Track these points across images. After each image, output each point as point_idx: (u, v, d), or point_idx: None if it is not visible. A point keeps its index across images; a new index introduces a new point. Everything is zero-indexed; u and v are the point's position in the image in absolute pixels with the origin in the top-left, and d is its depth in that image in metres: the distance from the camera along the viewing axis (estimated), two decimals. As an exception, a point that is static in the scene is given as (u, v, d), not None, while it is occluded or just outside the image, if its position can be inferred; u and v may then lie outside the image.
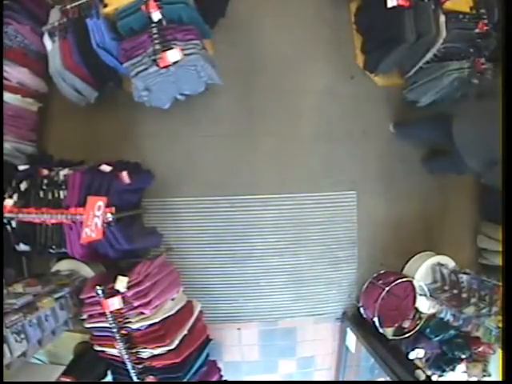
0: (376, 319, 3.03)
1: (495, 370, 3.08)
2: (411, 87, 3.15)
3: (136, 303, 2.32)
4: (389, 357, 2.86)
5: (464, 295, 2.94)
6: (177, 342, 2.41)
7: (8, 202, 2.45)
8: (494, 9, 2.75)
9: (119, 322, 2.34)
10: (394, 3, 2.60)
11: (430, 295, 3.09)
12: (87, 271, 2.85)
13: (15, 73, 2.68)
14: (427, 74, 2.97)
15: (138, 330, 2.37)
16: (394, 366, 2.75)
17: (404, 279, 3.09)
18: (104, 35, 2.50)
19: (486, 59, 2.79)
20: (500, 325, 2.53)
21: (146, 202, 3.15)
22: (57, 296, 2.41)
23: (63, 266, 2.86)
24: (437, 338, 3.12)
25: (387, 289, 2.99)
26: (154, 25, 2.36)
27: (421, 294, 3.12)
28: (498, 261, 3.16)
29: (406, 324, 3.20)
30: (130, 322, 2.35)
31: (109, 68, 2.72)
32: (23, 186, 2.51)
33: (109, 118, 3.13)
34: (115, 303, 2.30)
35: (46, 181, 2.53)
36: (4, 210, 2.44)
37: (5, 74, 2.62)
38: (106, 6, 2.45)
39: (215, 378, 2.86)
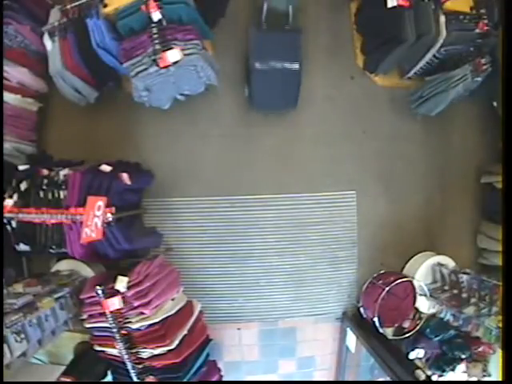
0: (376, 319, 3.03)
1: (495, 370, 3.08)
2: (418, 102, 3.13)
3: (136, 303, 2.32)
4: (389, 357, 2.86)
5: (464, 295, 2.95)
6: (177, 342, 2.41)
7: (8, 202, 2.45)
8: (494, 9, 2.76)
9: (119, 321, 2.34)
10: (394, 3, 2.61)
11: (430, 295, 3.09)
12: (87, 271, 2.85)
13: (15, 73, 2.68)
14: (433, 87, 2.97)
15: (138, 329, 2.37)
16: (394, 366, 2.75)
17: (404, 279, 3.09)
18: (104, 35, 2.51)
19: (486, 59, 2.80)
20: (500, 325, 2.53)
21: (146, 202, 3.15)
22: (57, 296, 2.41)
23: (63, 266, 2.86)
24: (437, 338, 3.12)
25: (387, 289, 2.99)
26: (153, 25, 2.37)
27: (421, 294, 3.12)
28: (498, 261, 3.16)
29: (406, 324, 3.20)
30: (130, 322, 2.35)
31: (109, 68, 2.72)
32: (23, 185, 2.51)
33: (109, 118, 3.13)
34: (115, 303, 2.30)
35: (45, 181, 2.53)
36: (4, 210, 2.44)
37: (5, 74, 2.62)
38: (106, 5, 2.46)
39: (215, 378, 2.86)
